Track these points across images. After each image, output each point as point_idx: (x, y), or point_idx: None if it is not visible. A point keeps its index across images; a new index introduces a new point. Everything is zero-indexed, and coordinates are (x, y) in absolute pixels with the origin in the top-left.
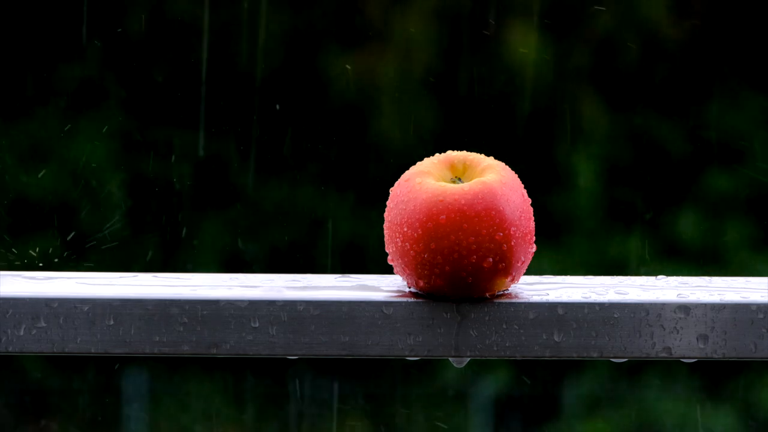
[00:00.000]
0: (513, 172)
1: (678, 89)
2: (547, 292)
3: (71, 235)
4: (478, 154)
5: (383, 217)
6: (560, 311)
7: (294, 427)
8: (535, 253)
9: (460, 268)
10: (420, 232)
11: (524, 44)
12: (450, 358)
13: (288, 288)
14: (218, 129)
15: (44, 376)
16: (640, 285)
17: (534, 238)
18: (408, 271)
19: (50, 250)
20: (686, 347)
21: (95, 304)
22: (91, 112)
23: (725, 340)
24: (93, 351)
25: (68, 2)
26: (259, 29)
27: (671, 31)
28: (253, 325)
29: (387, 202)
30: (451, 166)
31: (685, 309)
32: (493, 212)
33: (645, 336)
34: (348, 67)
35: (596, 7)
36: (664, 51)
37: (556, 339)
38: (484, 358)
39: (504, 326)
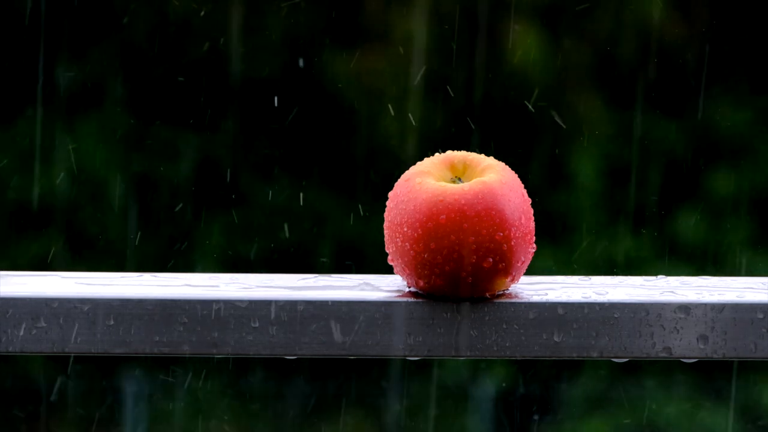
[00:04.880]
0: (513, 172)
1: (679, 89)
2: (547, 292)
3: (71, 236)
4: (478, 154)
5: (383, 217)
6: (560, 311)
7: (294, 427)
8: (535, 253)
9: (460, 268)
10: (420, 232)
11: (525, 44)
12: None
13: (288, 288)
14: (219, 129)
15: (44, 376)
16: (640, 285)
17: (534, 238)
18: (408, 271)
19: (50, 250)
20: (686, 347)
21: (95, 304)
22: (91, 112)
23: (725, 340)
24: (93, 351)
25: (69, 1)
26: (260, 29)
27: (672, 30)
28: (253, 325)
29: (387, 202)
30: (451, 166)
31: (685, 309)
32: (493, 212)
33: (645, 336)
34: (348, 66)
35: (597, 7)
36: (665, 50)
37: (556, 339)
38: (484, 358)
39: (504, 326)
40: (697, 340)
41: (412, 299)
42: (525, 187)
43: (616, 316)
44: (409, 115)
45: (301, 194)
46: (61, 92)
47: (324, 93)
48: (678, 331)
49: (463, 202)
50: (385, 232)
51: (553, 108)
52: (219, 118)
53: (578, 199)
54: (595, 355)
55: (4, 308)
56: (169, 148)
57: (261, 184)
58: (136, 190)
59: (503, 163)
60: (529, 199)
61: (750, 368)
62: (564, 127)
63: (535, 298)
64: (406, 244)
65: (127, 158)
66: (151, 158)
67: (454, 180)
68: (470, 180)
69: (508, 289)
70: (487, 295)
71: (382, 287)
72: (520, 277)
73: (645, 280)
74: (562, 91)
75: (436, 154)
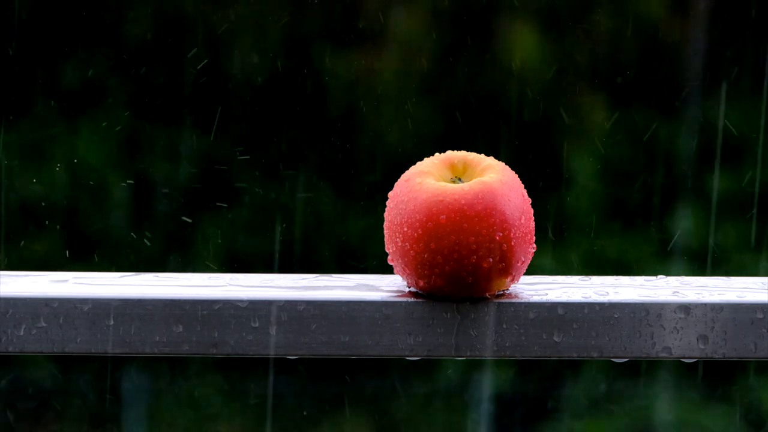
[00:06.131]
0: (513, 171)
1: (678, 88)
2: (547, 292)
3: (71, 235)
4: (478, 154)
5: (383, 217)
6: (560, 311)
7: (294, 427)
8: (535, 253)
9: (460, 268)
10: (420, 232)
11: (524, 43)
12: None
13: (288, 288)
14: (218, 129)
15: (44, 376)
16: (640, 285)
17: (534, 238)
18: (408, 271)
19: (50, 250)
20: (686, 347)
21: (95, 304)
22: (91, 111)
23: (725, 340)
24: (93, 351)
25: (69, 1)
26: (259, 29)
27: (672, 29)
28: (253, 325)
29: (387, 202)
30: (451, 166)
31: (685, 309)
32: (493, 212)
33: (645, 336)
34: (347, 67)
35: (596, 6)
36: (665, 50)
37: (556, 339)
38: (484, 358)
39: (504, 326)
40: (697, 340)
41: (412, 299)
42: (525, 187)
43: (616, 316)
44: (409, 115)
45: (301, 194)
46: (61, 91)
47: (323, 93)
48: (678, 331)
49: (463, 202)
50: (385, 232)
51: (553, 107)
52: (219, 118)
53: (578, 198)
54: (595, 355)
55: (4, 308)
56: (170, 148)
57: (261, 183)
58: (136, 189)
59: (503, 163)
60: (529, 199)
61: (750, 368)
62: (563, 126)
63: (535, 298)
64: (406, 244)
65: (127, 158)
66: (151, 158)
67: (454, 180)
68: (470, 180)
69: (508, 289)
70: (487, 295)
71: (382, 287)
72: (520, 277)
73: (645, 280)
74: (562, 90)
75: (436, 154)
